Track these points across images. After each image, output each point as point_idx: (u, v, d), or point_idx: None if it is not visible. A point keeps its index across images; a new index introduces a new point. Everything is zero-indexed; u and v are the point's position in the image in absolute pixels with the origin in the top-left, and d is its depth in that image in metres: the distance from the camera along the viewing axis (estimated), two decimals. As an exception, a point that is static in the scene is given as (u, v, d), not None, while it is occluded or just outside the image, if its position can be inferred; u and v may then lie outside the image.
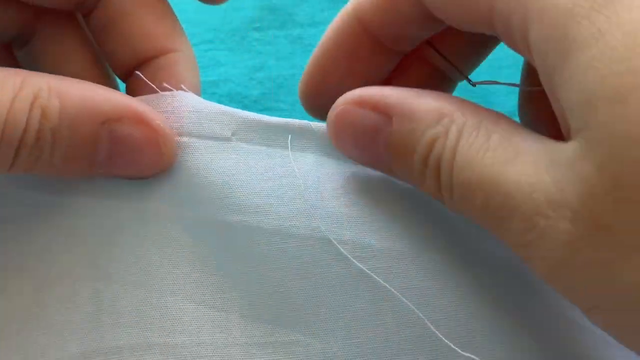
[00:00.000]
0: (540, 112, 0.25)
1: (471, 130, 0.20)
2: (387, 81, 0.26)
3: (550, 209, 0.18)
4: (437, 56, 0.26)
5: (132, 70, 0.24)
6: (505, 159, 0.19)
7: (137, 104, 0.22)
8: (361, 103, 0.23)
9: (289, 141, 0.24)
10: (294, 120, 0.25)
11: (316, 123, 0.25)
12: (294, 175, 0.24)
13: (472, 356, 0.22)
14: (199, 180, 0.24)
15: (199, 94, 0.25)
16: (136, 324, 0.22)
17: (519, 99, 0.27)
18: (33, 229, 0.24)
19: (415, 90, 0.23)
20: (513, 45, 0.21)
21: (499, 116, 0.21)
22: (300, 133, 0.25)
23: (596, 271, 0.17)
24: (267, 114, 0.31)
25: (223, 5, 0.37)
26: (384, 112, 0.22)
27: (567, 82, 0.18)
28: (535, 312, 0.23)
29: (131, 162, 0.23)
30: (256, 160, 0.24)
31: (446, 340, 0.22)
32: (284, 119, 0.25)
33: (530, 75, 0.25)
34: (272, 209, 0.24)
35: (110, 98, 0.22)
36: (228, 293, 0.23)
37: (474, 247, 0.23)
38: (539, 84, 0.22)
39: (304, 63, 0.35)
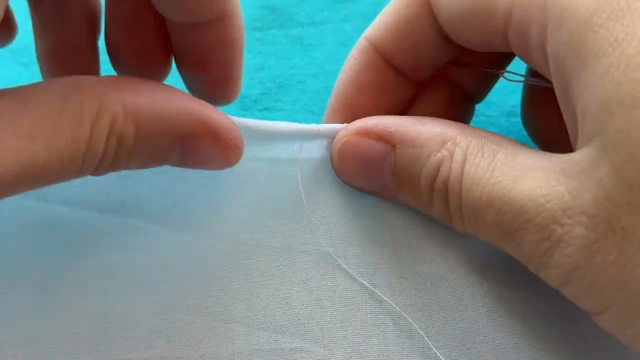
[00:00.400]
0: (547, 117, 0.25)
1: (476, 151, 0.21)
2: (404, 112, 0.27)
3: (566, 217, 0.18)
4: (461, 74, 0.26)
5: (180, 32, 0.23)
6: (514, 176, 0.19)
7: (210, 118, 0.22)
8: (364, 133, 0.23)
9: (299, 150, 0.25)
10: (303, 126, 0.25)
11: (325, 127, 0.25)
12: (300, 194, 0.25)
13: None
14: (209, 204, 0.25)
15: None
16: (144, 337, 0.23)
17: (523, 102, 0.27)
18: (40, 239, 0.24)
19: (417, 117, 0.23)
20: (528, 57, 0.21)
21: (501, 137, 0.22)
22: (310, 138, 0.25)
23: (611, 273, 0.18)
24: (267, 114, 0.31)
25: (223, 5, 0.37)
26: (387, 140, 0.23)
27: (584, 89, 0.18)
28: (533, 326, 0.23)
29: (198, 166, 0.23)
30: (266, 178, 0.25)
31: (439, 354, 0.23)
32: (294, 124, 0.25)
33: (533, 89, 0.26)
34: (281, 226, 0.25)
35: (184, 111, 0.21)
36: (233, 306, 0.24)
37: (472, 265, 0.24)
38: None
39: (304, 63, 0.35)
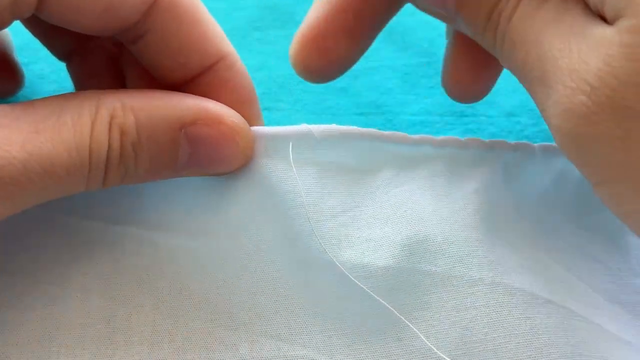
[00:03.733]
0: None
1: None
2: None
3: (569, 79, 0.18)
4: None
5: (184, 81, 0.24)
6: (546, 20, 0.20)
7: (210, 105, 0.23)
8: None
9: (290, 151, 0.25)
10: (294, 127, 0.25)
11: (316, 127, 0.25)
12: (296, 193, 0.24)
13: None
14: (209, 208, 0.25)
15: (254, 93, 0.25)
16: (147, 341, 0.23)
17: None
18: (48, 247, 0.24)
19: None
20: None
21: None
22: (301, 140, 0.25)
23: (611, 145, 0.18)
24: (267, 114, 0.31)
25: (223, 5, 0.37)
26: None
27: None
28: (535, 326, 0.23)
29: (212, 160, 0.23)
30: (261, 177, 0.25)
31: (440, 353, 0.23)
32: (283, 127, 0.25)
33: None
34: (280, 229, 0.24)
35: (183, 103, 0.22)
36: (236, 310, 0.24)
37: (472, 262, 0.24)
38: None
39: (305, 63, 0.35)
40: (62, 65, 0.29)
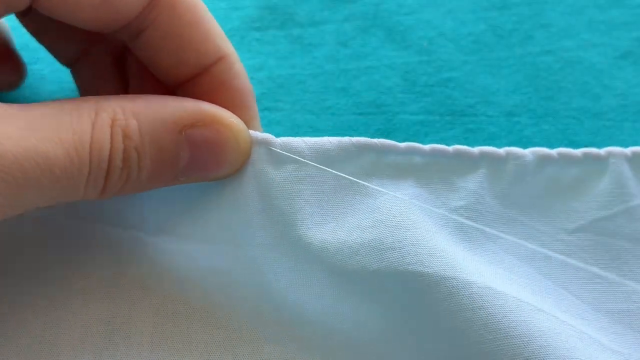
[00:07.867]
0: None
1: None
2: None
3: None
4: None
5: (184, 81, 0.24)
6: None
7: (207, 107, 0.23)
8: None
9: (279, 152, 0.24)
10: (283, 137, 0.25)
11: (306, 140, 0.25)
12: (290, 198, 0.24)
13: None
14: (201, 211, 0.25)
15: (252, 95, 0.25)
16: (149, 345, 0.23)
17: None
18: (50, 250, 0.24)
19: None
20: None
21: None
22: (286, 145, 0.24)
23: None
24: (267, 114, 0.31)
25: (223, 5, 0.37)
26: None
27: None
28: (531, 330, 0.23)
29: (211, 162, 0.23)
30: (257, 181, 0.24)
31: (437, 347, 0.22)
32: (267, 134, 0.24)
33: None
34: (277, 231, 0.24)
35: (182, 105, 0.22)
36: (235, 315, 0.24)
37: (460, 269, 0.24)
38: None
39: (304, 63, 0.35)
40: (62, 66, 0.29)
